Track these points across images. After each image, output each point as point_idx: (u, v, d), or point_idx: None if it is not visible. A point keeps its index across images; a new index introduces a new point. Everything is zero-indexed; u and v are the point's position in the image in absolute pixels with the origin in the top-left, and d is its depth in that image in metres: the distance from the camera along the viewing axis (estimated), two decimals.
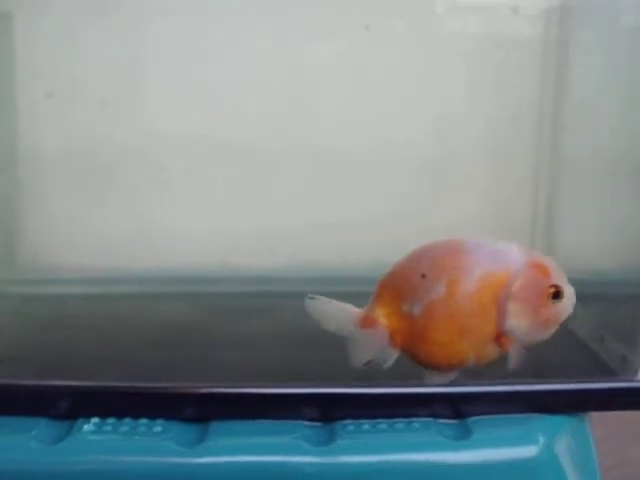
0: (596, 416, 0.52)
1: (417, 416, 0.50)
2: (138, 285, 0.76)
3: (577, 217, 0.73)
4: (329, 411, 0.49)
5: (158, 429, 0.49)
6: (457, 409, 0.50)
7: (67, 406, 0.50)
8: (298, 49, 0.74)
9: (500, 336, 0.49)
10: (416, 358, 0.51)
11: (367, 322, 0.51)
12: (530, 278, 0.49)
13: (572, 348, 0.59)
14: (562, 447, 0.49)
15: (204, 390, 0.50)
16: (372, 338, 0.51)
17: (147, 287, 0.75)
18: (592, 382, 0.51)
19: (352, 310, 0.52)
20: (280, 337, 0.63)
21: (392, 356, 0.51)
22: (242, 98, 0.74)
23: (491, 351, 0.50)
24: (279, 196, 0.77)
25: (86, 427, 0.49)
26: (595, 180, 0.69)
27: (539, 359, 0.53)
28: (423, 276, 0.49)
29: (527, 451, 0.49)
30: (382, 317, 0.51)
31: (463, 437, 0.49)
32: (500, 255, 0.49)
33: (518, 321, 0.49)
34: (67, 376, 0.52)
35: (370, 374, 0.51)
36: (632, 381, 0.54)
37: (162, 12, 0.73)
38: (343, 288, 0.73)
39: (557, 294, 0.49)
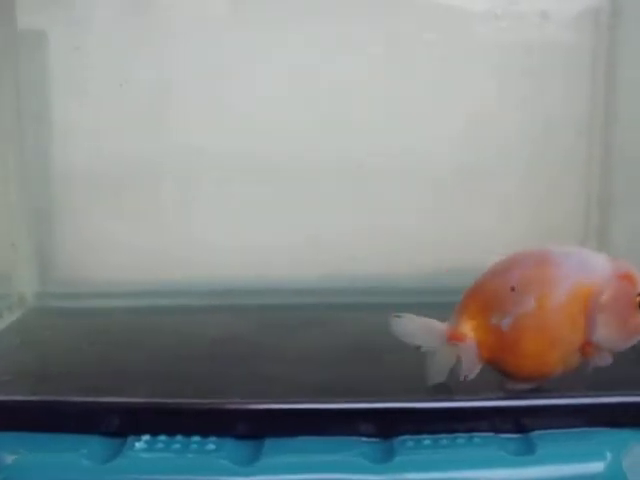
0: None
1: (478, 431, 0.48)
2: (174, 298, 0.75)
3: (631, 224, 0.72)
4: (387, 427, 0.48)
5: (211, 447, 0.47)
6: (520, 423, 0.48)
7: (118, 423, 0.48)
8: (327, 64, 0.74)
9: (585, 345, 0.49)
10: (502, 369, 0.51)
11: (455, 336, 0.50)
12: (618, 288, 0.48)
13: (635, 358, 0.57)
14: (630, 463, 0.47)
15: (258, 406, 0.48)
16: (461, 352, 0.50)
17: (183, 300, 0.74)
18: None
19: (438, 325, 0.51)
20: (329, 350, 0.62)
21: (477, 368, 0.50)
22: (269, 113, 0.73)
23: (575, 360, 0.50)
24: (312, 208, 0.76)
25: (138, 445, 0.47)
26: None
27: (602, 370, 0.51)
28: (512, 289, 0.49)
29: (594, 467, 0.47)
30: (469, 330, 0.50)
31: (527, 452, 0.47)
32: (588, 265, 0.49)
33: (607, 331, 0.49)
34: (115, 392, 0.51)
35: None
36: None
37: (191, 28, 0.73)
38: (382, 299, 0.74)
39: None
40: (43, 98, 0.74)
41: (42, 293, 0.76)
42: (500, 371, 0.51)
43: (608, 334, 0.49)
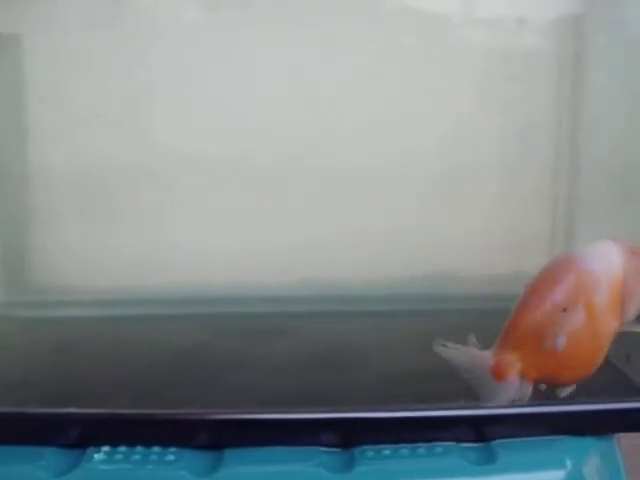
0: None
1: (439, 440, 0.48)
2: (148, 307, 0.74)
3: (595, 229, 0.72)
4: (348, 436, 0.48)
5: (171, 458, 0.47)
6: (481, 432, 0.48)
7: (76, 434, 0.48)
8: (310, 66, 0.73)
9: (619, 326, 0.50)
10: (554, 383, 0.51)
11: (498, 372, 0.49)
12: (635, 265, 0.50)
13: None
14: (591, 470, 0.47)
15: (218, 416, 0.48)
16: (504, 389, 0.49)
17: (158, 309, 0.74)
18: (621, 402, 0.49)
19: (481, 356, 0.50)
20: (294, 359, 0.62)
21: (528, 391, 0.50)
22: (251, 117, 0.73)
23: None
24: (291, 214, 0.76)
25: (97, 456, 0.47)
26: (613, 191, 0.68)
27: None
28: (564, 310, 0.49)
29: (555, 475, 0.47)
30: (514, 361, 0.49)
31: (488, 461, 0.47)
32: (607, 256, 0.50)
33: (635, 305, 0.50)
34: (76, 403, 0.50)
35: None
36: None
37: (172, 31, 0.72)
38: (357, 307, 0.74)
39: None
40: (17, 100, 0.73)
41: (8, 302, 0.75)
42: (549, 384, 0.51)
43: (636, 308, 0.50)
